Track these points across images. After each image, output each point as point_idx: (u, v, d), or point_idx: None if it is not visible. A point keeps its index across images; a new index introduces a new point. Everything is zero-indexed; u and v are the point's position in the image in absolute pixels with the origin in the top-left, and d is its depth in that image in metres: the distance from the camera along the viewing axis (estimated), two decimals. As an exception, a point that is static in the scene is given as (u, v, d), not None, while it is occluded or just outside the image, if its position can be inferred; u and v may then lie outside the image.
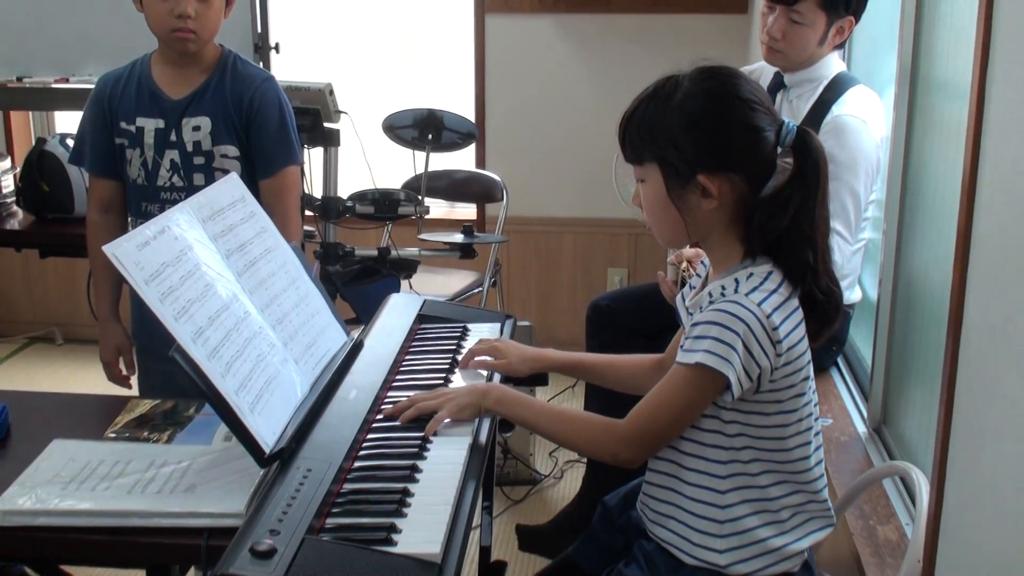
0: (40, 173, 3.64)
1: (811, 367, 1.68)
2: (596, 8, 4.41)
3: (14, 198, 3.81)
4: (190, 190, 2.45)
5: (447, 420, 1.70)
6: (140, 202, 2.54)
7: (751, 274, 1.63)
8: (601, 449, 1.69)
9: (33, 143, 3.99)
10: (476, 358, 1.99)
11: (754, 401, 1.62)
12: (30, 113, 4.88)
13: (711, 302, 1.62)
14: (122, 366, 2.66)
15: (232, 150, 2.50)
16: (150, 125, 2.50)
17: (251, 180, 2.50)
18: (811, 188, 1.63)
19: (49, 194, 3.64)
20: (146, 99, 2.50)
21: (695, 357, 1.57)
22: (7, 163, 3.93)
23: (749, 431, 1.64)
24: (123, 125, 2.52)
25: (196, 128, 2.48)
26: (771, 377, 1.60)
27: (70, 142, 3.69)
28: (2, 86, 4.13)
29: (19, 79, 4.09)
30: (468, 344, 2.08)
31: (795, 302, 1.63)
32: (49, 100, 4.31)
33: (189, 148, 2.48)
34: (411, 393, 1.83)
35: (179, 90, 2.49)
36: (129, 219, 2.59)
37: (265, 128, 2.50)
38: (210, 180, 2.45)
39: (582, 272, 4.67)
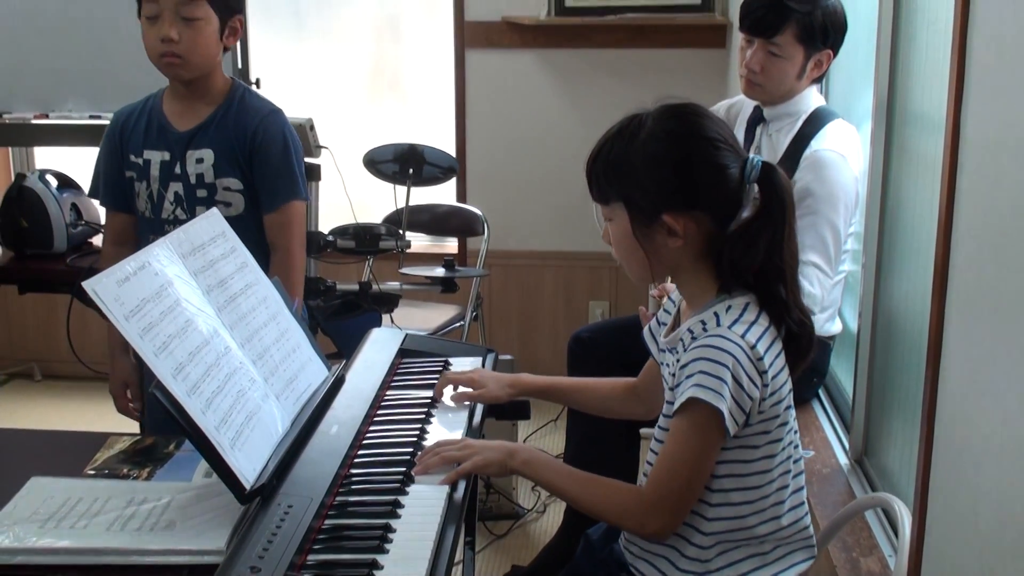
0: (19, 209, 3.62)
1: (791, 396, 1.68)
2: (576, 43, 4.44)
3: (-7, 234, 3.79)
4: None
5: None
6: (148, 235, 2.53)
7: (729, 307, 1.63)
8: (629, 519, 1.64)
9: (12, 179, 3.97)
10: (458, 390, 1.99)
11: (743, 436, 1.61)
12: (9, 149, 4.86)
13: (693, 339, 1.62)
14: (130, 398, 2.66)
15: (235, 183, 2.49)
16: (156, 158, 2.51)
17: (256, 214, 2.51)
18: (778, 223, 1.63)
19: (28, 230, 3.62)
20: (154, 132, 2.51)
21: (687, 393, 1.56)
22: (-15, 199, 3.91)
23: (736, 468, 1.63)
24: (132, 158, 2.54)
25: (199, 160, 2.48)
26: (760, 408, 1.60)
27: (50, 178, 3.69)
28: (-20, 122, 4.13)
29: (-1, 115, 4.09)
30: (450, 379, 2.08)
31: (774, 332, 1.64)
32: (29, 136, 4.30)
33: (192, 180, 2.48)
34: (394, 428, 1.83)
35: (186, 123, 2.50)
36: None
37: (268, 161, 2.49)
38: None
39: (563, 305, 4.68)
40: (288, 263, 2.49)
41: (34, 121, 4.08)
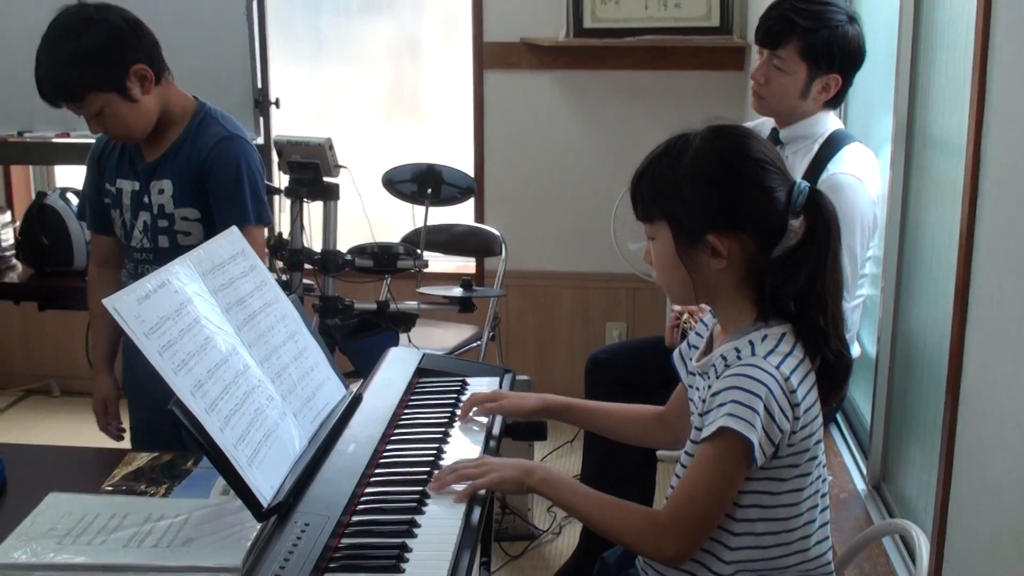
0: (40, 227, 3.66)
1: (822, 430, 1.66)
2: (593, 65, 4.45)
3: (14, 251, 3.82)
4: (157, 252, 2.46)
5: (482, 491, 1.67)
6: (125, 260, 2.57)
7: (765, 336, 1.61)
8: (645, 543, 1.62)
9: (33, 197, 4.01)
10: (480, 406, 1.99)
11: (771, 467, 1.60)
12: (31, 167, 4.90)
13: (727, 365, 1.61)
14: (109, 417, 2.67)
15: (193, 212, 2.46)
16: (127, 187, 2.51)
17: None
18: (823, 250, 1.62)
19: (49, 248, 3.65)
20: (127, 161, 2.51)
21: (718, 423, 1.54)
22: (7, 216, 3.95)
23: (763, 500, 1.61)
24: (107, 186, 2.54)
25: (160, 191, 2.47)
26: (789, 441, 1.58)
27: (70, 196, 3.72)
28: (3, 140, 4.17)
29: (20, 134, 4.13)
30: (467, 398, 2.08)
31: (808, 364, 1.62)
32: (49, 155, 4.35)
33: (155, 211, 2.48)
34: (410, 447, 1.83)
35: (153, 151, 2.48)
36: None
37: (219, 189, 2.45)
38: (174, 243, 2.44)
39: (580, 326, 4.67)
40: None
41: (55, 140, 4.12)
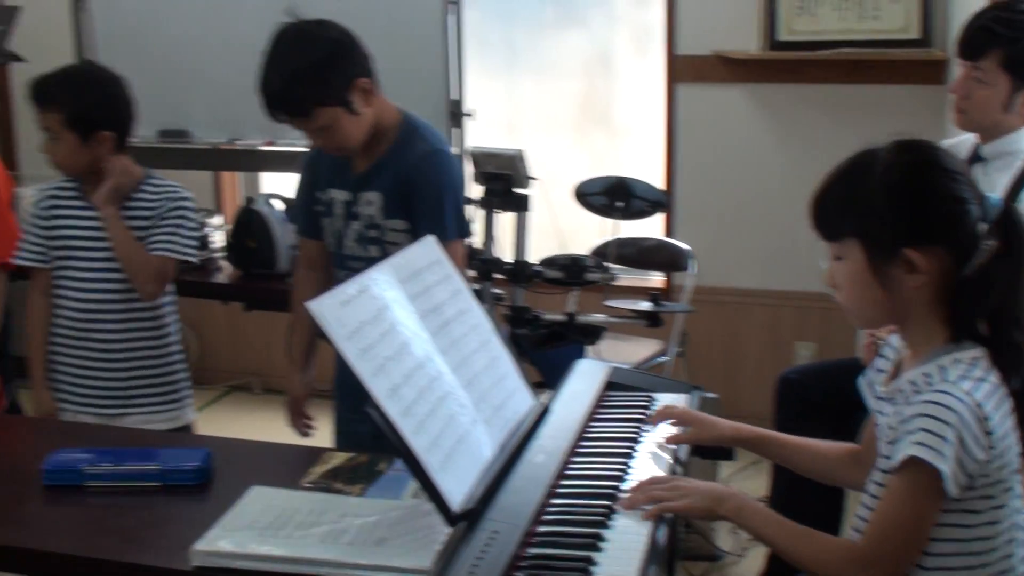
0: (248, 231, 3.84)
1: (1019, 460, 1.58)
2: (787, 78, 4.36)
3: (224, 253, 4.02)
4: (369, 261, 2.48)
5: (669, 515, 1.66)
6: (334, 267, 2.64)
7: (957, 360, 1.55)
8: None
9: (241, 202, 4.21)
10: (669, 431, 1.96)
11: (965, 499, 1.53)
12: (238, 173, 5.15)
13: (916, 391, 1.55)
14: (298, 414, 2.76)
15: (400, 224, 2.50)
16: (339, 196, 2.57)
17: None
18: (1019, 265, 1.55)
19: (255, 251, 3.82)
20: (339, 171, 2.56)
21: (907, 451, 1.49)
22: (218, 220, 4.17)
23: (957, 533, 1.55)
24: (318, 194, 2.61)
25: (369, 203, 2.52)
26: (984, 471, 1.51)
27: (275, 202, 3.90)
28: (215, 148, 4.40)
29: (230, 141, 4.35)
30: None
31: (1004, 391, 1.55)
32: (257, 162, 4.56)
33: (366, 221, 2.53)
34: (597, 460, 1.83)
35: (363, 163, 2.53)
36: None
37: (421, 202, 2.48)
38: (384, 253, 2.47)
39: (769, 345, 4.57)
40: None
41: (262, 148, 4.32)
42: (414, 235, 2.48)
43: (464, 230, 2.57)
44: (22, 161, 5.26)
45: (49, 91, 2.64)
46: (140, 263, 2.67)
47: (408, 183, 2.48)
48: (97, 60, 4.31)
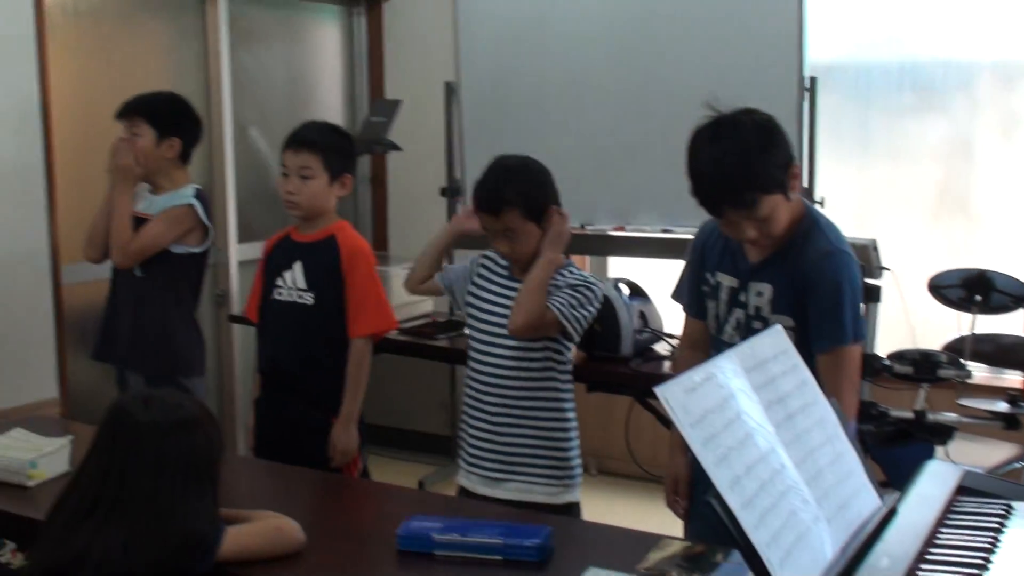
0: (597, 314, 3.94)
1: None
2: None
3: (576, 336, 4.15)
4: None
5: None
6: (712, 351, 2.61)
7: None
8: None
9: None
10: None
11: None
12: (587, 257, 5.32)
13: None
14: (677, 495, 2.76)
15: (787, 320, 2.43)
16: (726, 282, 2.57)
17: (808, 353, 2.39)
18: None
19: (600, 333, 3.92)
20: (729, 257, 2.56)
21: None
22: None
23: None
24: (706, 275, 2.63)
25: (759, 294, 2.50)
26: None
27: (622, 286, 3.99)
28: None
29: (582, 226, 4.52)
30: (1012, 525, 1.93)
31: None
32: (606, 246, 4.69)
33: (751, 311, 2.52)
34: (947, 568, 1.74)
35: (756, 253, 2.50)
36: None
37: (817, 303, 2.43)
38: None
39: None
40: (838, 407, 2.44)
41: (611, 233, 4.45)
42: (800, 334, 2.43)
43: (860, 333, 2.50)
44: (391, 242, 5.71)
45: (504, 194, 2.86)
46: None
47: (805, 280, 2.44)
48: (463, 145, 4.64)
